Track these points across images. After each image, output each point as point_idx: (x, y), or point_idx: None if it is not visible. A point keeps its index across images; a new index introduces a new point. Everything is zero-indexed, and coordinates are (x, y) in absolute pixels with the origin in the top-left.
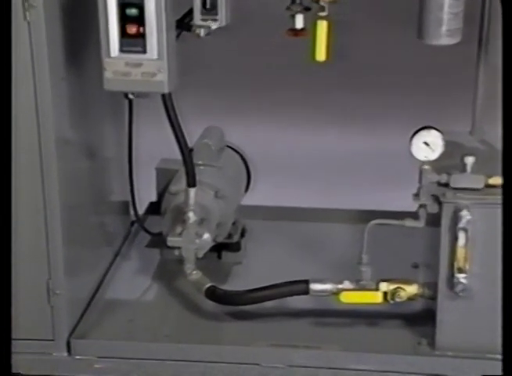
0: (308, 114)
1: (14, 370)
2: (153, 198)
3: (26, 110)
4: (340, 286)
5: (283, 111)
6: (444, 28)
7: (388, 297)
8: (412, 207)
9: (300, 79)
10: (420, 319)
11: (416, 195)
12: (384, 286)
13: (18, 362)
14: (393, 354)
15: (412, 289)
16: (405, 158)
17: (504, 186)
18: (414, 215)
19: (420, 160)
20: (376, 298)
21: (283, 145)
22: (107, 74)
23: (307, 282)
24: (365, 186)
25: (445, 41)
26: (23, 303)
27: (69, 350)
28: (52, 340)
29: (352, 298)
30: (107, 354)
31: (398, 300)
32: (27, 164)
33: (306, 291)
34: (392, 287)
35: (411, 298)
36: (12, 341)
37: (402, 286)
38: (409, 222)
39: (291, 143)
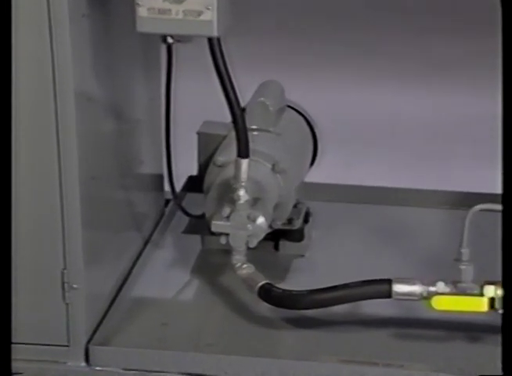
0: (391, 66)
1: None
2: (194, 171)
3: (38, 57)
4: (432, 288)
5: (359, 62)
6: None
7: (496, 304)
8: None
9: (379, 20)
10: None
11: None
12: (491, 290)
13: (25, 371)
14: None
15: None
16: None
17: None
18: None
19: None
20: (479, 305)
21: (359, 106)
22: (141, 12)
23: (389, 282)
24: (465, 161)
25: None
26: (31, 299)
27: (87, 359)
28: (67, 346)
29: (448, 304)
30: (134, 365)
31: None
32: (39, 125)
33: (388, 294)
34: (501, 291)
35: None
36: (18, 346)
37: None
38: None
39: (369, 104)
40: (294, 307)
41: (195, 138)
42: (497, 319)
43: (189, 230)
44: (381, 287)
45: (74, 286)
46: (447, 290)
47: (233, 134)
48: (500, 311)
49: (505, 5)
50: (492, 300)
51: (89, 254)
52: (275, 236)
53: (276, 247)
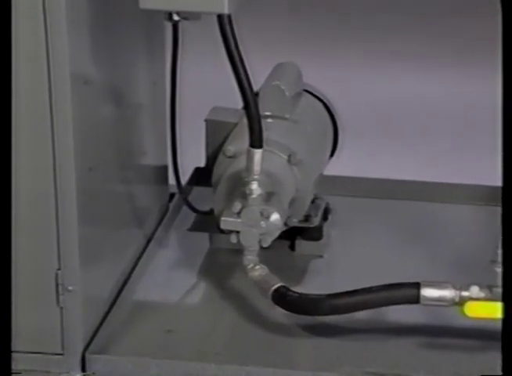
0: (419, 49)
1: None
2: (201, 162)
3: (30, 35)
4: (464, 293)
5: (383, 44)
6: None
7: None
8: None
9: None
10: None
11: None
12: None
13: None
14: None
15: None
16: None
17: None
18: None
19: None
20: None
21: (384, 92)
22: None
23: (417, 286)
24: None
25: None
26: (21, 303)
27: (83, 368)
28: (61, 354)
29: (482, 310)
30: None
31: None
32: (31, 110)
33: (415, 299)
34: None
35: None
36: None
37: None
38: None
39: (395, 89)
40: (312, 313)
41: (203, 125)
42: None
43: (196, 227)
44: (408, 292)
45: (69, 288)
46: (481, 295)
47: (245, 121)
48: None
49: (505, 5)
50: None
51: (86, 253)
52: (290, 235)
53: (292, 247)
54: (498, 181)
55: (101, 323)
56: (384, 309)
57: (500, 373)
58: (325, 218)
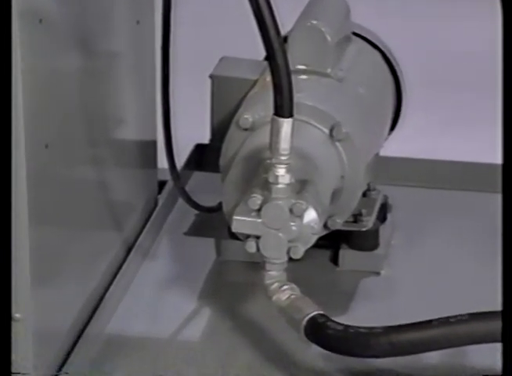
0: None
1: None
2: (205, 137)
3: None
4: None
5: None
6: None
7: None
8: None
9: None
10: None
11: None
12: None
13: None
14: None
15: None
16: None
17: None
18: None
19: None
20: None
21: (468, 37)
22: None
23: None
24: None
25: None
26: None
27: None
28: None
29: None
30: None
31: None
32: None
33: None
34: None
35: None
36: None
37: None
38: None
39: (483, 35)
40: (362, 353)
41: (207, 84)
42: None
43: (197, 231)
44: (499, 325)
45: (16, 315)
46: None
47: (268, 78)
48: None
49: (505, 4)
50: None
51: (40, 267)
52: (333, 242)
53: (335, 260)
54: None
55: (61, 366)
56: (462, 349)
57: None
58: (382, 218)
